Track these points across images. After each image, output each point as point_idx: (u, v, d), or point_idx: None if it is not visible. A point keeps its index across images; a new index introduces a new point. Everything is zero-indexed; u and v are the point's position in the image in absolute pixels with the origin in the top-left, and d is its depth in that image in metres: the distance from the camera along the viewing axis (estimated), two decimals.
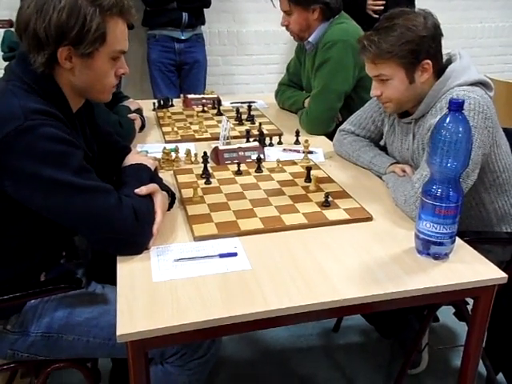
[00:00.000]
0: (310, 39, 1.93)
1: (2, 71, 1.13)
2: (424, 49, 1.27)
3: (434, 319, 1.87)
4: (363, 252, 1.11)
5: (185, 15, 2.85)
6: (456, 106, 0.99)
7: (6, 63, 1.21)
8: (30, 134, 0.98)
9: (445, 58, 1.37)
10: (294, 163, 1.58)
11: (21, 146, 0.98)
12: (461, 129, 1.00)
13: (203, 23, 3.03)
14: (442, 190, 1.02)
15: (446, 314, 1.72)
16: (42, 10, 1.01)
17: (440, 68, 1.33)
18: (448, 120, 1.00)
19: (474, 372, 1.15)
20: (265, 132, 1.80)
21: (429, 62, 1.29)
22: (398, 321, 1.75)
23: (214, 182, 1.43)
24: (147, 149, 1.67)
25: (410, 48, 1.26)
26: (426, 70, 1.30)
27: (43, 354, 1.17)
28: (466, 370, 1.14)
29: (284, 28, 1.99)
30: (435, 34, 1.28)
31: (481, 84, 1.31)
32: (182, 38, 2.92)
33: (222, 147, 1.61)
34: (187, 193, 1.34)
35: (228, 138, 1.72)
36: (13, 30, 1.22)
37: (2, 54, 1.53)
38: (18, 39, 1.08)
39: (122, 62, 1.14)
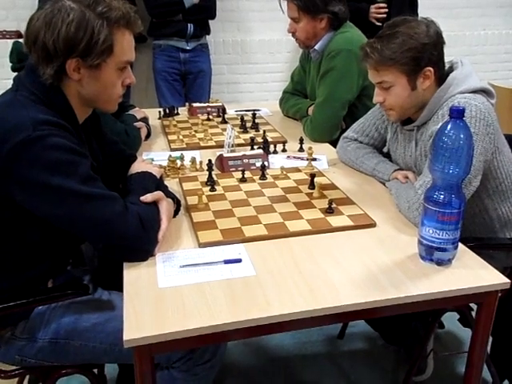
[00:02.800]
0: (316, 47, 1.95)
1: (11, 81, 1.16)
2: (426, 56, 1.29)
3: (440, 326, 1.87)
4: (367, 258, 1.11)
5: (190, 26, 2.89)
6: (457, 113, 1.01)
7: (15, 74, 1.23)
8: (38, 144, 1.00)
9: (446, 66, 1.38)
10: (297, 170, 1.59)
11: (30, 156, 1.00)
12: (462, 136, 1.01)
13: (208, 33, 3.07)
14: (445, 196, 1.03)
15: (451, 320, 1.71)
16: (51, 24, 1.04)
17: (442, 75, 1.34)
18: (449, 127, 1.01)
19: (478, 378, 1.15)
20: (269, 139, 1.82)
21: (431, 69, 1.30)
22: (403, 327, 1.75)
23: (219, 190, 1.45)
24: (153, 157, 1.69)
25: (411, 55, 1.28)
26: (428, 77, 1.31)
27: (51, 360, 1.18)
28: (470, 376, 1.14)
29: (288, 37, 2.01)
30: (437, 41, 1.30)
31: (482, 91, 1.32)
32: (187, 48, 2.96)
33: (226, 155, 1.63)
34: (192, 200, 1.36)
35: (233, 146, 1.74)
36: (21, 41, 1.25)
37: (11, 64, 1.56)
38: (26, 50, 1.10)
39: (129, 72, 1.16)
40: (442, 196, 1.04)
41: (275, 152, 1.77)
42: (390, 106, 1.37)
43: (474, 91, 1.31)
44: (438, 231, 1.05)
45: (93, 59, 1.06)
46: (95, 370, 1.29)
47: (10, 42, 1.72)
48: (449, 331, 1.97)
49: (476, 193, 1.30)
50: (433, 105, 1.33)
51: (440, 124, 1.25)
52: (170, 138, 1.91)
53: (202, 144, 1.85)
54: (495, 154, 1.32)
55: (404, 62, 1.28)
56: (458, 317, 1.63)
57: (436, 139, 1.03)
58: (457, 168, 1.01)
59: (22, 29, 1.10)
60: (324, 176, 1.55)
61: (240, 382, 1.79)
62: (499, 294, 1.06)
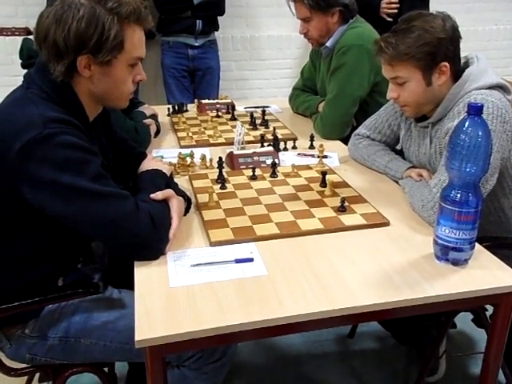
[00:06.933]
0: (327, 44, 1.92)
1: (21, 78, 1.15)
2: (442, 51, 1.26)
3: (452, 325, 1.84)
4: (380, 258, 1.10)
5: (199, 23, 2.87)
6: (475, 110, 0.98)
7: (24, 70, 1.23)
8: (49, 142, 0.99)
9: (462, 61, 1.35)
10: (308, 168, 1.57)
11: (40, 154, 0.99)
12: (480, 133, 0.98)
13: (217, 29, 3.05)
14: (461, 194, 1.01)
15: (463, 320, 1.69)
16: (61, 20, 1.02)
17: (457, 71, 1.31)
18: (467, 124, 0.99)
19: (494, 381, 1.13)
20: (279, 137, 1.80)
21: (446, 64, 1.27)
22: (415, 327, 1.73)
23: (230, 187, 1.43)
24: (162, 154, 1.69)
25: (427, 50, 1.25)
26: (444, 73, 1.28)
27: (61, 358, 1.18)
28: (486, 379, 1.12)
29: (297, 32, 1.98)
30: (453, 36, 1.27)
31: (499, 87, 1.30)
32: (196, 44, 2.94)
33: (236, 152, 1.61)
34: (203, 198, 1.35)
35: (242, 143, 1.72)
36: (31, 37, 1.24)
37: (21, 61, 1.56)
38: (36, 47, 1.09)
39: (140, 69, 1.15)
40: (458, 195, 1.01)
41: (285, 149, 1.76)
42: (405, 103, 1.35)
43: (491, 87, 1.28)
44: (454, 231, 1.02)
45: (103, 55, 1.04)
46: (105, 369, 1.29)
47: (20, 38, 1.72)
48: (461, 331, 1.95)
49: (492, 191, 1.27)
50: (448, 101, 1.30)
51: (456, 121, 1.23)
52: (180, 134, 1.90)
53: (211, 141, 1.84)
54: None
55: (419, 57, 1.25)
56: (470, 316, 1.61)
57: (453, 136, 1.00)
58: (474, 166, 0.99)
59: (31, 26, 1.09)
60: (335, 174, 1.53)
61: (250, 381, 1.78)
62: None
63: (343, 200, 1.29)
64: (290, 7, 1.92)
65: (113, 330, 1.15)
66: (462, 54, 1.35)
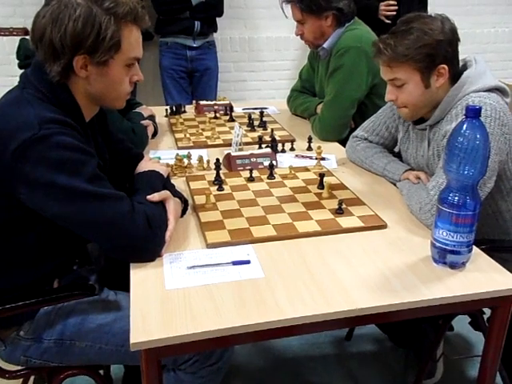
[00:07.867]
0: (324, 45, 1.92)
1: (18, 78, 1.14)
2: (440, 53, 1.26)
3: (449, 328, 1.84)
4: (378, 260, 1.09)
5: (197, 24, 2.87)
6: (473, 113, 0.98)
7: (22, 71, 1.22)
8: (44, 143, 0.99)
9: (460, 63, 1.35)
10: (306, 170, 1.57)
11: (36, 155, 0.98)
12: (478, 136, 0.98)
13: (215, 30, 3.05)
14: (459, 197, 1.01)
15: (461, 323, 1.69)
16: (58, 20, 1.02)
17: (456, 73, 1.31)
18: (465, 127, 0.98)
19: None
20: (277, 138, 1.80)
21: (445, 66, 1.27)
22: (413, 330, 1.73)
23: (227, 189, 1.43)
24: (160, 155, 1.68)
25: (426, 52, 1.25)
26: (442, 75, 1.28)
27: (56, 361, 1.17)
28: (484, 382, 1.12)
29: (295, 34, 1.98)
30: (452, 38, 1.27)
31: (497, 90, 1.29)
32: (194, 45, 2.94)
33: (234, 153, 1.61)
34: (200, 199, 1.34)
35: (240, 145, 1.72)
36: (28, 38, 1.23)
37: (18, 61, 1.55)
38: (33, 47, 1.09)
39: (137, 69, 1.15)
40: (456, 198, 1.01)
41: (283, 151, 1.75)
42: (403, 105, 1.34)
43: (489, 90, 1.27)
44: (451, 234, 1.02)
45: (100, 56, 1.04)
46: (101, 371, 1.28)
47: (17, 39, 1.72)
48: (459, 334, 1.94)
49: (489, 194, 1.27)
50: (446, 103, 1.30)
51: (454, 123, 1.23)
52: (177, 136, 1.89)
53: (209, 142, 1.83)
54: (510, 155, 1.29)
55: (418, 59, 1.25)
56: (468, 319, 1.60)
57: (451, 139, 1.00)
58: (472, 169, 0.99)
59: (29, 26, 1.08)
60: (333, 176, 1.52)
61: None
62: None
63: (341, 202, 1.28)
64: (282, 9, 1.92)
65: (108, 333, 1.14)
66: (461, 57, 1.35)
